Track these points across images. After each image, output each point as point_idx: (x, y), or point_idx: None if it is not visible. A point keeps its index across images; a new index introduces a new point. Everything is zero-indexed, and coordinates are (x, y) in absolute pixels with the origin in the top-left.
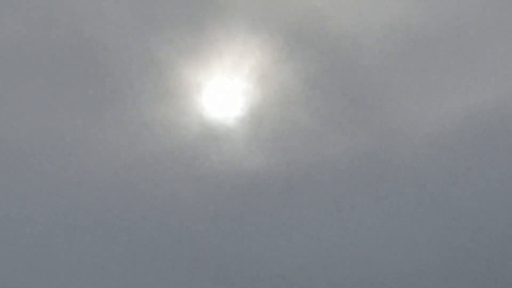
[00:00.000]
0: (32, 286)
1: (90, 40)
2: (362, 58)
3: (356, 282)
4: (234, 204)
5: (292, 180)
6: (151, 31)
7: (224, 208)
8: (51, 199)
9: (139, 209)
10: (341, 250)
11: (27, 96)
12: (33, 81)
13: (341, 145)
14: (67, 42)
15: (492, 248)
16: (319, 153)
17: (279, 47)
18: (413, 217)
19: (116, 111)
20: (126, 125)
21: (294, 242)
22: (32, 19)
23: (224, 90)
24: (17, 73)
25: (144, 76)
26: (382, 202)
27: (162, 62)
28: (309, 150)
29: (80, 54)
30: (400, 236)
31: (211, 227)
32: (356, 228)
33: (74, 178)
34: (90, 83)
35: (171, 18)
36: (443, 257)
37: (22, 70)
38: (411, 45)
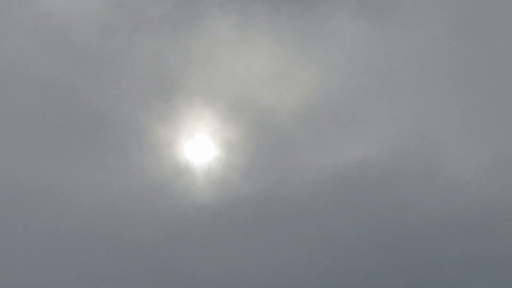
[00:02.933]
0: None
1: (94, 112)
2: (279, 121)
3: (261, 283)
4: (189, 226)
5: (221, 212)
6: (137, 104)
7: (181, 230)
8: (59, 225)
9: (127, 230)
10: (254, 263)
11: (48, 150)
12: (52, 140)
13: (259, 184)
14: (79, 113)
15: (355, 265)
16: (238, 193)
17: (224, 113)
18: (298, 242)
19: (111, 159)
20: (118, 169)
21: (223, 255)
22: (50, 93)
23: (187, 144)
24: (44, 134)
25: (131, 135)
26: (279, 231)
27: (143, 125)
28: (239, 188)
29: (86, 120)
30: (291, 256)
31: (169, 244)
32: (261, 249)
33: (77, 207)
34: (92, 141)
35: (150, 95)
36: (322, 266)
37: (49, 132)
38: (312, 114)
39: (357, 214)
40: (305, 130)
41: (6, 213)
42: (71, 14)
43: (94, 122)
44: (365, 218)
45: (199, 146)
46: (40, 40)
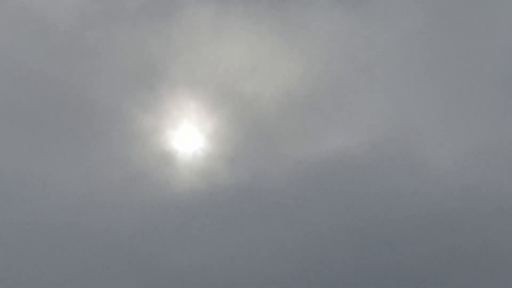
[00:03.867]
0: None
1: (76, 101)
2: (265, 109)
3: (242, 274)
4: (171, 216)
5: (204, 203)
6: (120, 93)
7: (163, 220)
8: (38, 215)
9: (109, 220)
10: (236, 254)
11: (28, 140)
12: (32, 129)
13: (241, 175)
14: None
15: (332, 252)
16: (221, 183)
17: (209, 102)
18: (279, 233)
19: (93, 149)
20: (100, 159)
21: (205, 246)
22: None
23: (171, 134)
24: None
25: (114, 124)
26: (261, 222)
27: (126, 114)
28: (221, 178)
29: (67, 110)
30: (271, 247)
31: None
32: (243, 240)
33: (58, 198)
34: (73, 131)
35: (133, 83)
36: (303, 257)
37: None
38: (293, 105)
39: (338, 204)
40: (286, 121)
41: None
42: (50, 6)
43: (76, 111)
44: (345, 208)
45: (183, 135)
46: (20, 32)
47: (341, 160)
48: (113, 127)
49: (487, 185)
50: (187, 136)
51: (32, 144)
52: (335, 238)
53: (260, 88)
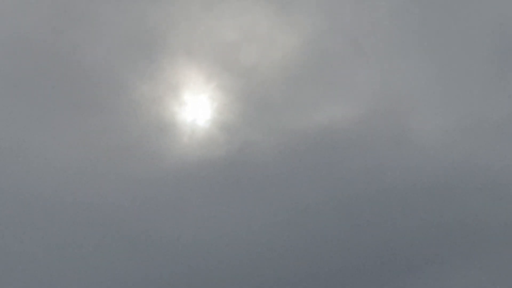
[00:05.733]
0: None
1: (73, 69)
2: (263, 79)
3: (232, 245)
4: (164, 188)
5: (196, 175)
6: (117, 61)
7: (156, 188)
8: (32, 187)
9: (108, 185)
10: (225, 225)
11: (22, 108)
12: (27, 97)
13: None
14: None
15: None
16: (215, 153)
17: (206, 70)
18: (270, 204)
19: (91, 117)
20: (99, 127)
21: (195, 218)
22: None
23: (169, 102)
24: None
25: (111, 93)
26: (250, 192)
27: (123, 83)
28: (215, 149)
29: (68, 78)
30: (260, 217)
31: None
32: (231, 213)
33: (57, 163)
34: (73, 99)
35: (131, 52)
36: (291, 229)
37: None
38: (290, 75)
39: (327, 176)
40: (278, 93)
41: None
42: None
43: (73, 80)
44: (334, 180)
45: (181, 104)
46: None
47: (330, 133)
48: (110, 96)
49: (475, 160)
50: (185, 105)
51: (27, 113)
52: (323, 210)
53: (255, 58)
